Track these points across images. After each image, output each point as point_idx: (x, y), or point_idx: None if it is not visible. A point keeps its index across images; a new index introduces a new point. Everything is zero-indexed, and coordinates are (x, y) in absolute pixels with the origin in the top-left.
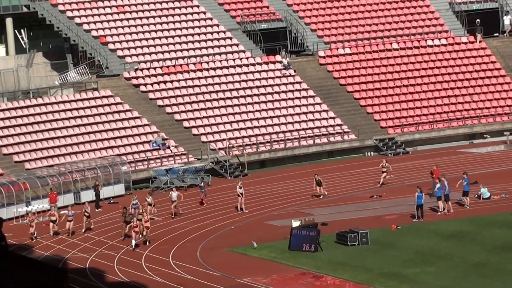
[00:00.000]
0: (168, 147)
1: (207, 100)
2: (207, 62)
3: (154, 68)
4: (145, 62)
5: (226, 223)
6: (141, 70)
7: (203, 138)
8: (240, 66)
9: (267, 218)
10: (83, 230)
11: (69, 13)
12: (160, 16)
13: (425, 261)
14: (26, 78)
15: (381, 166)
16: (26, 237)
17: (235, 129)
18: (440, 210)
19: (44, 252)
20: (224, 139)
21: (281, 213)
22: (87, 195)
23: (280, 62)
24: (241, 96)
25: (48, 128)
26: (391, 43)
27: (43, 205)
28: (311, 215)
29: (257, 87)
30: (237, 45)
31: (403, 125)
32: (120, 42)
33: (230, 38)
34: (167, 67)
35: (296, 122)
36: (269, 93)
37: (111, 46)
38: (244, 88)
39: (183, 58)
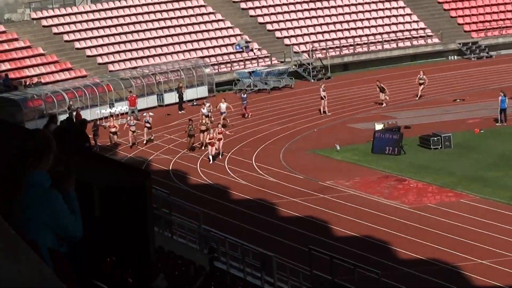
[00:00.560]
0: (252, 50)
1: (290, 3)
2: None
3: None
4: None
5: (309, 125)
6: None
7: (286, 41)
8: None
9: (350, 121)
10: (145, 141)
11: None
12: None
13: (508, 164)
14: None
15: (418, 78)
16: (108, 140)
17: (318, 32)
18: None
19: (127, 154)
20: (307, 42)
21: (364, 116)
22: (170, 97)
23: None
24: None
25: (131, 30)
26: None
27: (126, 107)
28: (394, 119)
29: None
30: None
31: (487, 29)
32: None
33: None
34: None
35: (379, 25)
36: None
37: None
38: None
39: None
